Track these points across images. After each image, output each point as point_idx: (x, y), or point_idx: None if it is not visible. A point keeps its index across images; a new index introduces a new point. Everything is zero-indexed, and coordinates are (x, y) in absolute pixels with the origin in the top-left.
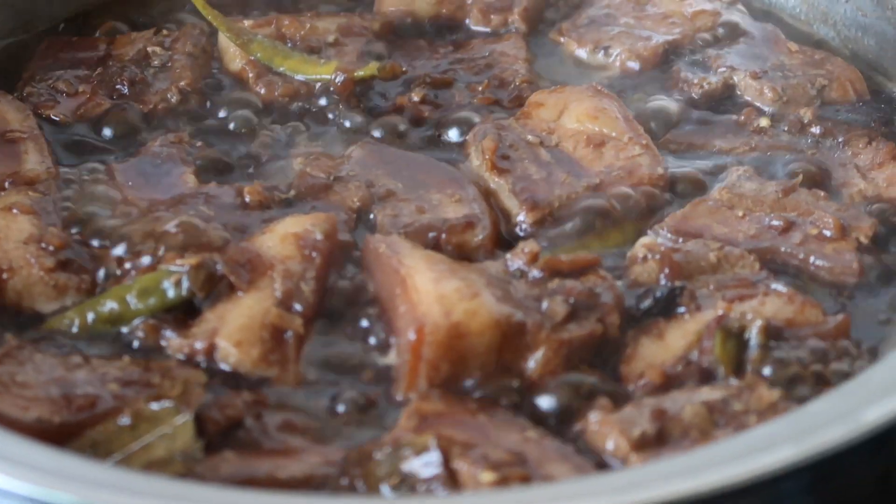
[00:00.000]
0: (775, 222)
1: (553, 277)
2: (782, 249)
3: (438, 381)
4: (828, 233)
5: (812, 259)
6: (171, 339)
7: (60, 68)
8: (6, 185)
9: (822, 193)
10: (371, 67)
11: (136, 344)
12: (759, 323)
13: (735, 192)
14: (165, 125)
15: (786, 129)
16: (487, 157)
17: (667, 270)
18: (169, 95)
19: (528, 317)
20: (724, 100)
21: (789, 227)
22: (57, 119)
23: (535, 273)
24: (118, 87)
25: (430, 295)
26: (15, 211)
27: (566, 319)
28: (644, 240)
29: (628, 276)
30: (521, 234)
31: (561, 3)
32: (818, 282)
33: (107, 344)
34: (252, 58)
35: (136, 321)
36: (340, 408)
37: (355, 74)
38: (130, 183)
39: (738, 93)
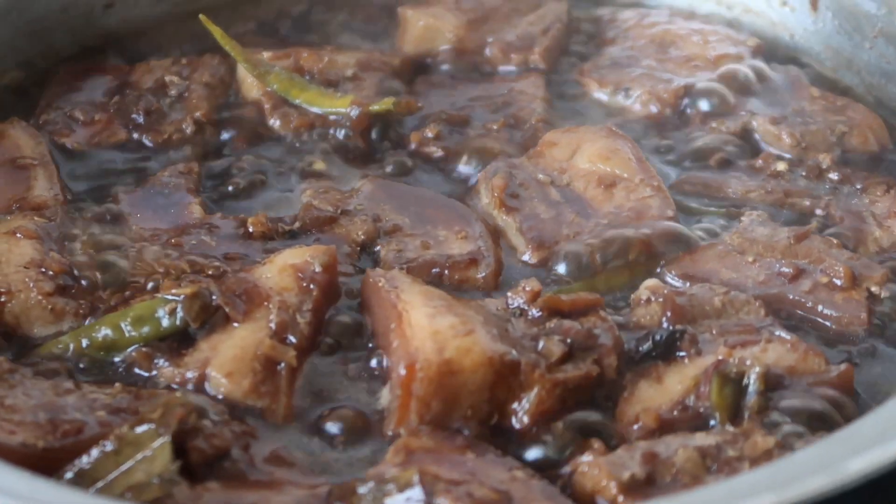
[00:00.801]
0: (785, 269)
1: (552, 317)
2: (790, 297)
3: (429, 417)
4: (838, 281)
5: (820, 307)
6: (164, 368)
7: (77, 96)
8: (13, 209)
9: (835, 241)
10: (387, 102)
11: (128, 372)
12: (757, 369)
13: (746, 237)
14: (178, 155)
15: (803, 174)
16: (496, 195)
17: (669, 314)
18: (184, 126)
19: (522, 356)
20: (742, 144)
21: (799, 274)
22: (72, 147)
23: (534, 312)
24: (133, 116)
25: (424, 330)
26: (18, 235)
27: (562, 360)
28: (648, 282)
29: (631, 318)
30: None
31: (583, 43)
32: (825, 331)
33: (100, 371)
34: (269, 89)
35: (130, 349)
36: (330, 441)
37: (370, 108)
38: (138, 214)
39: (757, 137)
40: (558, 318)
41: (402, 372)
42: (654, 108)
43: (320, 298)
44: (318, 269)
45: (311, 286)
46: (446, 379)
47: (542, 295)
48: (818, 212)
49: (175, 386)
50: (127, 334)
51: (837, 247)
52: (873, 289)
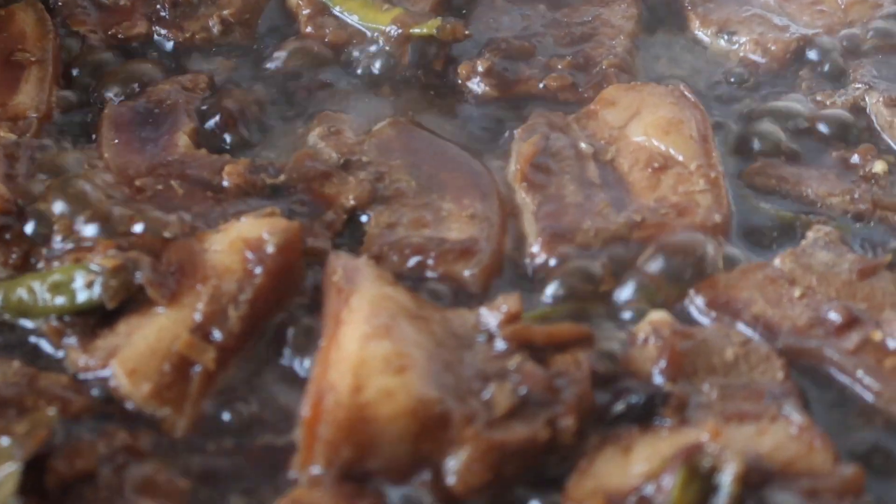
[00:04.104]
0: (834, 315)
1: (523, 350)
2: (828, 354)
3: (340, 463)
4: (892, 344)
5: (860, 373)
6: (71, 350)
7: None
8: None
9: None
10: (431, 24)
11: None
12: (734, 468)
13: (801, 263)
14: (197, 59)
15: None
16: (520, 165)
17: (663, 363)
18: (210, 23)
19: (459, 405)
20: (846, 125)
21: (850, 323)
22: (84, 36)
23: (500, 344)
24: (158, 7)
25: (349, 360)
26: None
27: (508, 415)
28: (654, 315)
29: (622, 359)
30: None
31: None
32: (855, 403)
33: (15, 336)
34: None
35: (44, 319)
36: (222, 472)
37: (411, 31)
38: (116, 138)
39: (868, 119)
40: (528, 353)
41: (305, 413)
42: (759, 60)
43: (265, 287)
44: (270, 250)
45: (257, 270)
46: (358, 425)
47: (523, 316)
48: None
49: (78, 373)
50: (40, 301)
51: None
52: None
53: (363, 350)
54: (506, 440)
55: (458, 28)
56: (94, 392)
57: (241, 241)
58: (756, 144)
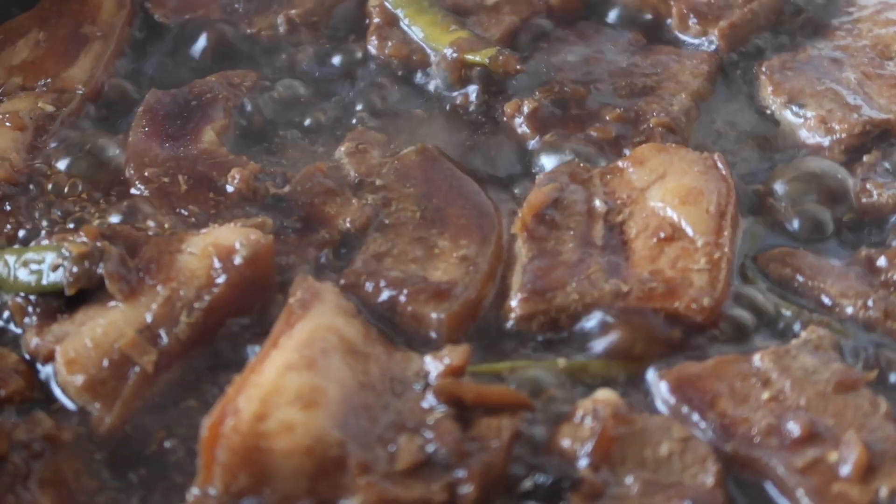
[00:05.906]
0: (793, 426)
1: (450, 405)
2: (773, 466)
3: (237, 489)
4: (845, 469)
5: (800, 493)
6: (28, 330)
7: None
8: (38, 84)
9: (884, 406)
10: (485, 53)
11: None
12: None
13: (781, 364)
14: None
15: None
16: (523, 214)
17: (590, 446)
18: (278, 21)
19: (361, 451)
20: (885, 224)
21: (809, 439)
22: (158, 20)
23: (430, 398)
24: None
25: (263, 386)
26: (8, 124)
27: (408, 471)
28: (601, 393)
29: (554, 434)
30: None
31: (797, 26)
32: None
33: None
34: (385, 2)
35: (12, 295)
36: (133, 478)
37: (466, 57)
38: (145, 126)
39: None
40: (456, 411)
41: (203, 432)
42: (821, 140)
43: (224, 298)
44: (238, 261)
45: (219, 280)
46: (253, 455)
47: (476, 369)
48: None
49: (27, 355)
50: (11, 276)
51: (886, 416)
52: (883, 491)
53: (280, 379)
54: (399, 496)
55: (510, 61)
56: (36, 375)
57: (213, 246)
58: (794, 224)
